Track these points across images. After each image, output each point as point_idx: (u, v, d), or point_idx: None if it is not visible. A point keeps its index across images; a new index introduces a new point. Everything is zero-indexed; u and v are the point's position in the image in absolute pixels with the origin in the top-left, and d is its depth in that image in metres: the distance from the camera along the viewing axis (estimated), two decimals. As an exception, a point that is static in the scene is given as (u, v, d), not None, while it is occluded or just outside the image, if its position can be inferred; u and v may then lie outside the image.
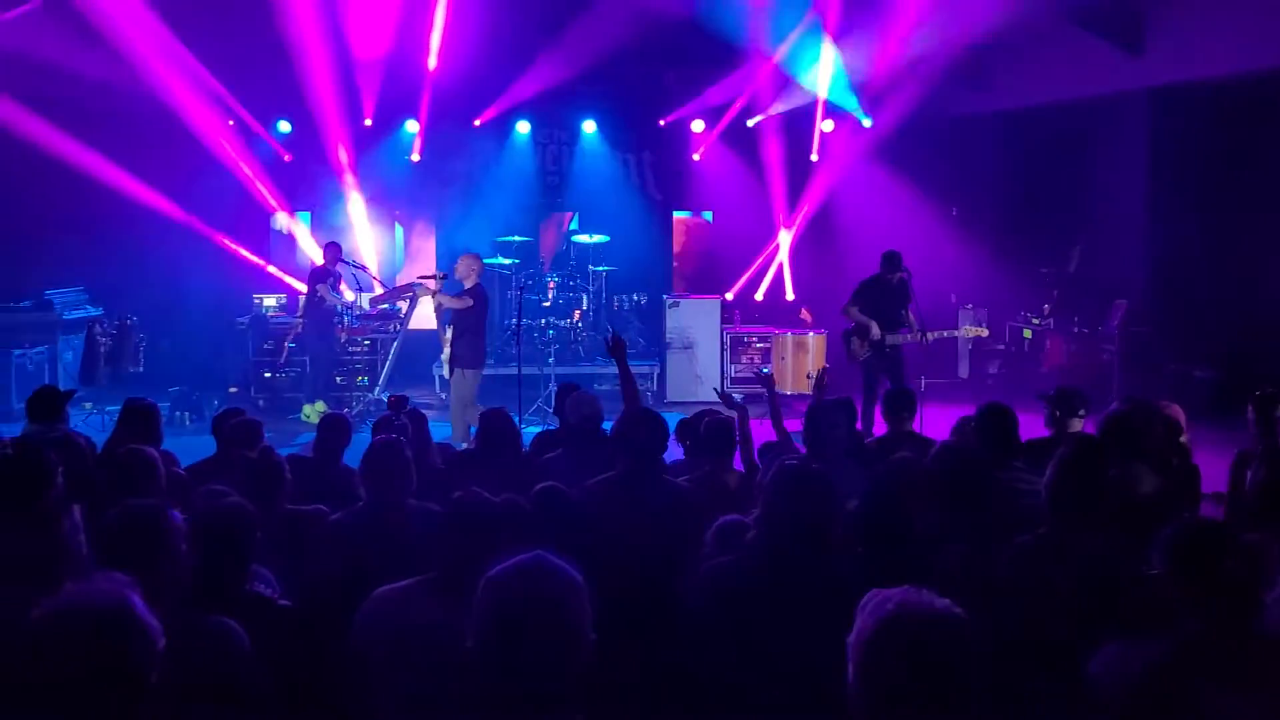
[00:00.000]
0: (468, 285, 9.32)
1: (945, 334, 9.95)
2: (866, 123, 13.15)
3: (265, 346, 11.60)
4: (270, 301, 12.38)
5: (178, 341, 12.07)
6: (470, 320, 9.25)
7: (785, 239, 13.78)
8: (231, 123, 12.55)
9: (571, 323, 12.43)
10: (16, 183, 11.55)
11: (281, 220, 13.28)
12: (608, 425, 4.99)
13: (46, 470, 3.34)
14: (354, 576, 3.48)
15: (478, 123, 13.29)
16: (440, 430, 7.93)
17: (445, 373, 9.82)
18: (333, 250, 11.03)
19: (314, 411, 10.37)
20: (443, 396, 11.04)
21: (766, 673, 2.95)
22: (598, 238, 12.99)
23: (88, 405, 10.08)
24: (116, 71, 10.57)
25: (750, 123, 13.48)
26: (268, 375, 11.54)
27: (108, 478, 4.13)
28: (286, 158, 13.07)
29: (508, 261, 12.56)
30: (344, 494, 4.79)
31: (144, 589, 2.12)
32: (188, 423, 10.31)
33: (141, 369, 11.21)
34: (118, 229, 11.91)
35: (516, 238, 12.80)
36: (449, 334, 9.74)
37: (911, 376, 9.09)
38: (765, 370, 11.02)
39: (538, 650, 1.88)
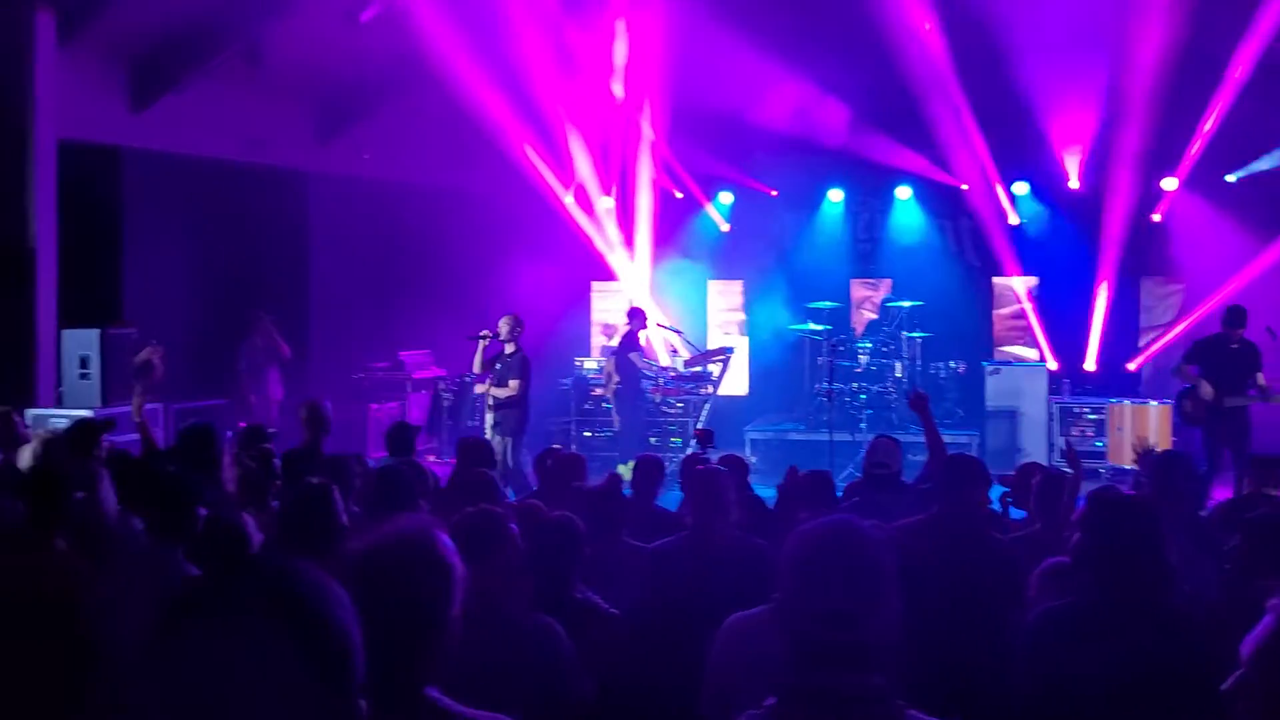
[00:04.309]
0: (509, 350, 9.37)
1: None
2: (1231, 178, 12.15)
3: (585, 407, 12.20)
4: (590, 364, 13.04)
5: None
6: (518, 390, 9.28)
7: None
8: (569, 199, 13.52)
9: (885, 389, 12.15)
10: (378, 257, 13.00)
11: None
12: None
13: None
14: (673, 598, 3.56)
15: (774, 193, 13.55)
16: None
17: (489, 435, 9.53)
18: (638, 315, 11.47)
19: (628, 471, 10.70)
20: (753, 459, 11.07)
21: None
22: (912, 303, 12.69)
23: (431, 458, 11.01)
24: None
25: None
26: (587, 434, 12.10)
27: (460, 496, 4.54)
28: (605, 227, 13.86)
29: (819, 327, 12.53)
30: (656, 532, 4.91)
31: (486, 583, 2.25)
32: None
33: (478, 423, 12.09)
34: (459, 297, 13.05)
35: (827, 303, 12.76)
36: (491, 400, 9.59)
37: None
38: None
39: (846, 598, 1.87)
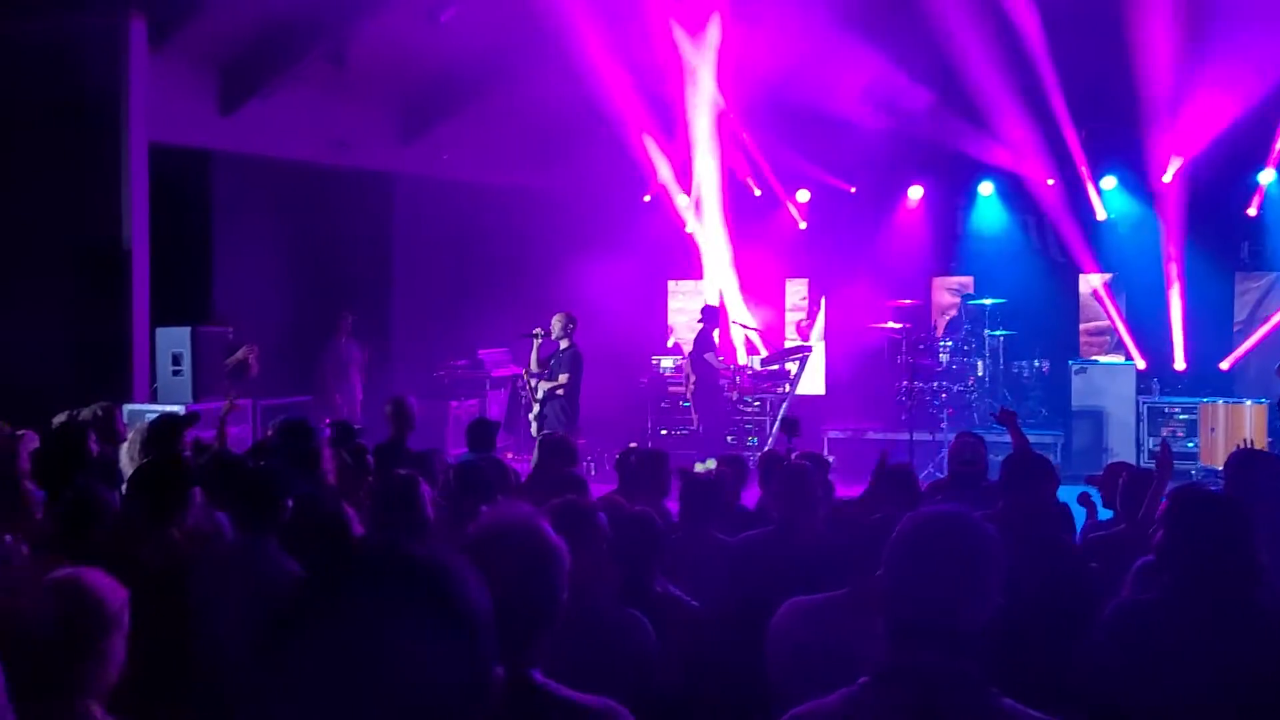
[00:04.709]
0: (564, 346, 9.31)
1: None
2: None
3: (662, 406, 12.19)
4: (667, 363, 13.03)
5: (585, 398, 12.99)
6: (567, 384, 9.22)
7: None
8: (648, 198, 13.54)
9: (966, 387, 11.93)
10: (459, 256, 13.15)
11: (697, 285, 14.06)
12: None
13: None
14: (757, 590, 3.56)
15: (852, 189, 13.37)
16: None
17: (534, 431, 9.48)
18: (713, 314, 11.42)
19: (705, 469, 10.67)
20: (831, 459, 10.96)
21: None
22: (994, 300, 12.44)
23: (509, 455, 11.10)
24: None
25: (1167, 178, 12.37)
26: (664, 433, 12.09)
27: (543, 493, 4.56)
28: (684, 226, 13.83)
29: (897, 325, 12.34)
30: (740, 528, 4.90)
31: (575, 574, 2.26)
32: (593, 472, 11.01)
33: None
34: (537, 295, 13.14)
35: (907, 300, 12.58)
36: (540, 393, 9.57)
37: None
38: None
39: (952, 585, 1.89)
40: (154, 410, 7.87)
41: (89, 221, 9.23)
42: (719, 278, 13.52)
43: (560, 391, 9.39)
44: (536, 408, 9.64)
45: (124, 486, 4.59)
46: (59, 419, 5.87)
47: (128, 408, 8.05)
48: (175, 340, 8.75)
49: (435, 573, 1.10)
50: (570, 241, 13.04)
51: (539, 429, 9.20)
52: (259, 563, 3.53)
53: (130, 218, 9.24)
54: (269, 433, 6.89)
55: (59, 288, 9.20)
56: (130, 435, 5.74)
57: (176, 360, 8.65)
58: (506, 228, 13.09)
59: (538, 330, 9.70)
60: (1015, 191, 13.36)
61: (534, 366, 9.70)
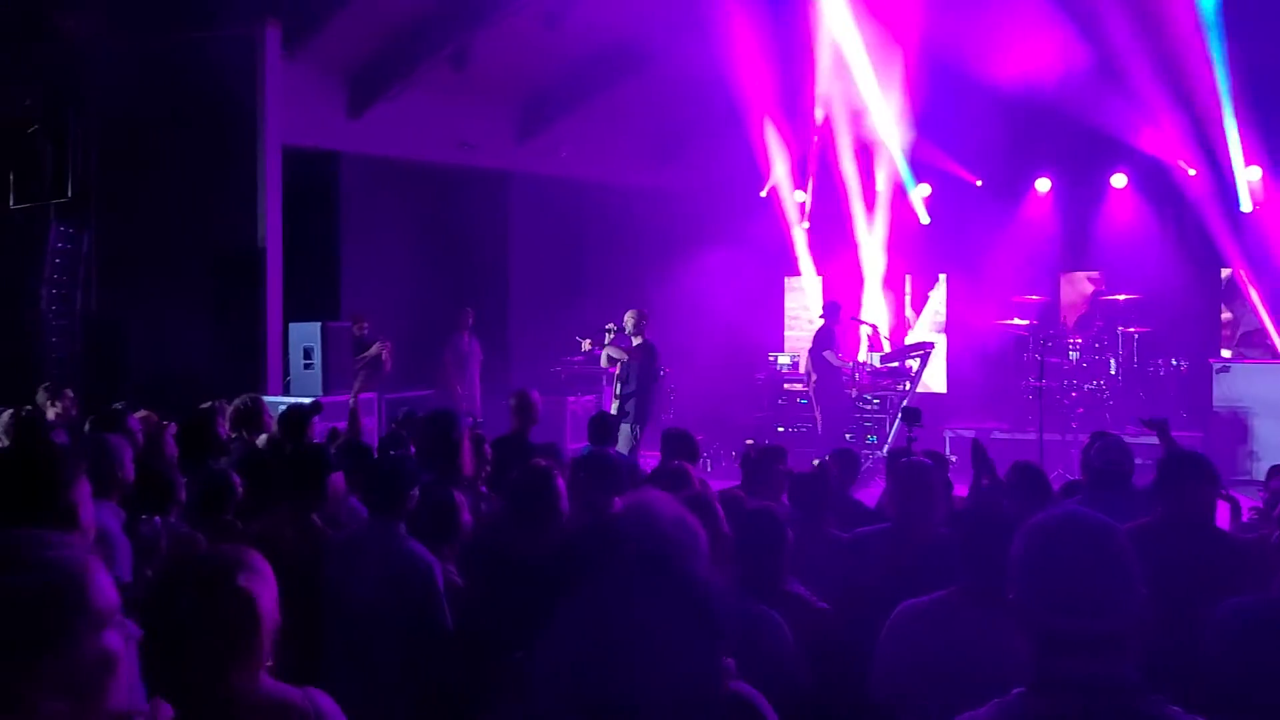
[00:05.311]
0: (636, 342, 9.25)
1: None
2: None
3: (778, 402, 12.08)
4: (784, 359, 12.91)
5: (700, 394, 12.98)
6: (635, 375, 9.17)
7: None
8: (764, 194, 13.44)
9: (1098, 386, 11.47)
10: (575, 253, 13.28)
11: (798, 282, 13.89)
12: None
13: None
14: (869, 588, 3.49)
15: (978, 182, 12.98)
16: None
17: None
18: (833, 310, 11.25)
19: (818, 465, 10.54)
20: (953, 459, 10.68)
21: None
22: (1127, 296, 11.93)
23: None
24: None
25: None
26: (780, 430, 11.98)
27: (661, 486, 4.56)
28: (805, 224, 13.67)
29: (1024, 322, 11.96)
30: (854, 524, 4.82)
31: None
32: (709, 468, 10.98)
33: (672, 416, 12.17)
34: (653, 291, 13.18)
35: (1034, 296, 12.17)
36: (618, 388, 9.50)
37: None
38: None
39: (1094, 587, 1.84)
40: (287, 401, 8.17)
41: (228, 223, 9.65)
42: (838, 274, 13.33)
43: (633, 388, 9.40)
44: (616, 404, 9.66)
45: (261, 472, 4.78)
46: (204, 407, 6.14)
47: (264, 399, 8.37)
48: (307, 335, 9.06)
49: (669, 553, 1.12)
50: (685, 237, 13.03)
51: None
52: (388, 546, 3.62)
53: (264, 219, 9.62)
54: (392, 425, 7.10)
55: (201, 286, 9.64)
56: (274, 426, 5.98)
57: (308, 354, 8.96)
58: (622, 224, 13.17)
59: (610, 326, 9.75)
60: (1153, 182, 12.77)
61: (604, 362, 9.72)
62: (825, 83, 12.03)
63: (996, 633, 2.39)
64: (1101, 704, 1.78)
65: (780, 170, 13.25)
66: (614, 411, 9.69)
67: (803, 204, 13.65)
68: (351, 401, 7.07)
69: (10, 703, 1.22)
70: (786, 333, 13.90)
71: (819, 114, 12.49)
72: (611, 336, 9.71)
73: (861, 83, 11.95)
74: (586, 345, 9.82)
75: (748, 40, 11.04)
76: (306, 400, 7.51)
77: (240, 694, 1.89)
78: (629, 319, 9.55)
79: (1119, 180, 12.90)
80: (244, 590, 1.97)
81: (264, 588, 2.02)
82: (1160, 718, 1.78)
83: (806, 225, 13.59)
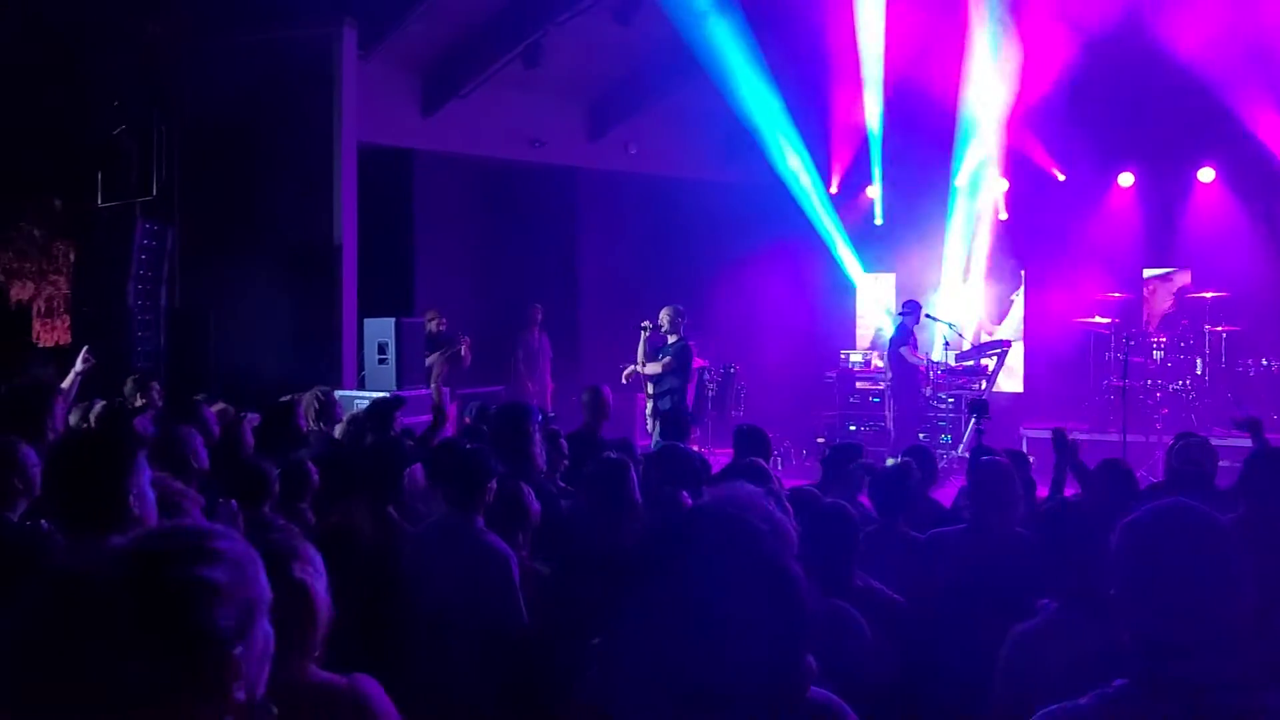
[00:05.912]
0: (672, 340, 9.09)
1: None
2: None
3: (850, 401, 11.94)
4: (856, 357, 12.75)
5: (772, 392, 12.88)
6: (674, 379, 9.04)
7: None
8: (833, 190, 13.30)
9: (1183, 386, 11.13)
10: (644, 249, 13.26)
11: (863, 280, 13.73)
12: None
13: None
14: (946, 588, 3.43)
15: (1061, 177, 12.66)
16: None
17: (649, 427, 9.11)
18: (912, 308, 11.08)
19: (894, 465, 10.39)
20: (1031, 458, 10.46)
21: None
22: (1215, 294, 11.55)
23: (694, 447, 11.10)
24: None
25: None
26: (851, 428, 11.83)
27: (741, 478, 4.56)
28: (878, 220, 13.49)
29: (1105, 320, 11.65)
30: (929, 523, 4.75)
31: None
32: (780, 466, 10.88)
33: (741, 413, 12.10)
34: (723, 289, 13.12)
35: (1116, 294, 11.86)
36: (650, 389, 9.28)
37: None
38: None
39: (1200, 589, 1.77)
40: (362, 395, 8.29)
41: (305, 220, 9.82)
42: (914, 271, 13.13)
43: (670, 386, 9.26)
44: (650, 404, 9.48)
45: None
46: (284, 400, 6.25)
47: (338, 394, 8.50)
48: (381, 330, 9.17)
49: (757, 537, 1.12)
50: (755, 234, 12.93)
51: (653, 425, 9.03)
52: (465, 538, 3.64)
53: (340, 215, 9.77)
54: (466, 420, 7.15)
55: (279, 281, 9.83)
56: (344, 418, 6.06)
57: (382, 349, 9.06)
58: (692, 221, 13.10)
59: (646, 323, 9.55)
60: (1244, 176, 12.34)
61: (641, 360, 9.53)
62: (894, 74, 11.82)
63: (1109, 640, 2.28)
64: (1207, 701, 1.73)
65: (853, 164, 13.10)
66: (648, 412, 9.65)
67: (872, 200, 13.46)
68: (435, 396, 7.13)
69: (215, 693, 1.26)
70: (858, 330, 13.73)
71: (876, 114, 12.27)
72: (647, 334, 9.52)
73: (972, 72, 11.70)
74: (647, 326, 9.65)
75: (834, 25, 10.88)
76: (383, 394, 7.60)
77: (289, 683, 1.90)
78: (664, 316, 9.39)
79: (1206, 174, 12.49)
80: (299, 581, 1.97)
81: (317, 579, 2.02)
82: (1266, 712, 1.71)
83: (880, 221, 13.39)
